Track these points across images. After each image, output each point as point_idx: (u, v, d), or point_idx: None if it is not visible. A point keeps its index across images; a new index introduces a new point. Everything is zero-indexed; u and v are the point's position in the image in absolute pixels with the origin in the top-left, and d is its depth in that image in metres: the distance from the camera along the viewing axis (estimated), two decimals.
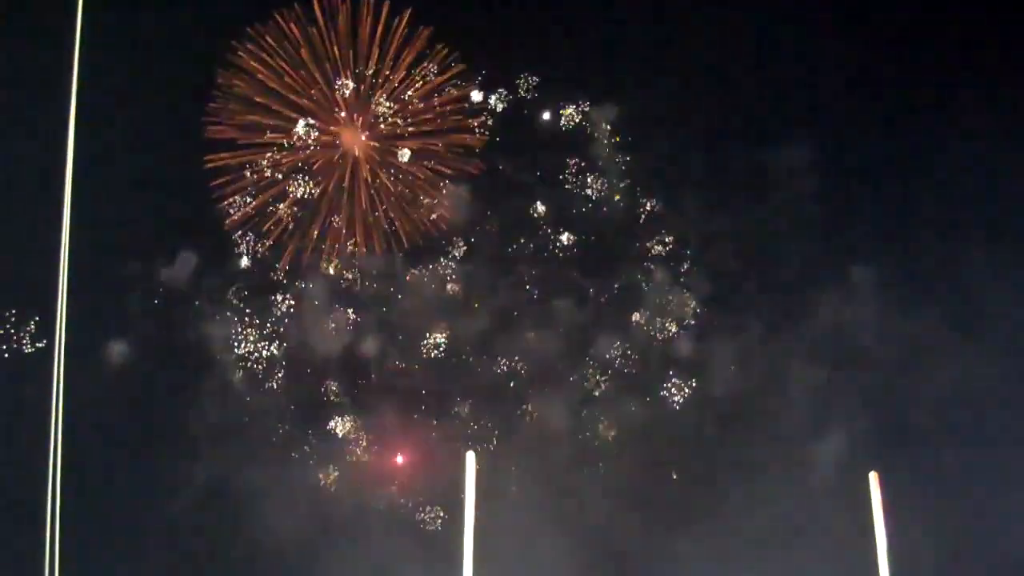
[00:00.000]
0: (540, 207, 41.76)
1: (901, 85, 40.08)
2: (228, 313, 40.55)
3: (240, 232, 40.92)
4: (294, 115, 41.01)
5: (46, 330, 28.65)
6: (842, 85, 40.68)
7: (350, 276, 41.26)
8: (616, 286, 41.60)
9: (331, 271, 41.23)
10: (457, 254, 41.62)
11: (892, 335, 38.21)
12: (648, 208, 41.72)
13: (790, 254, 40.30)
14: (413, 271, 41.40)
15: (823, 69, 40.47)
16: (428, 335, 40.74)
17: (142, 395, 39.47)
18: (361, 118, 41.26)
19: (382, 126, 41.36)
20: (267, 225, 41.10)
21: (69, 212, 26.82)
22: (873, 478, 27.31)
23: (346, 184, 41.38)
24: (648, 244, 41.55)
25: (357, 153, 41.25)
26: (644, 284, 41.39)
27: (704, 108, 40.54)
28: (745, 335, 40.11)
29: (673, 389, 40.11)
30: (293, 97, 40.87)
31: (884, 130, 40.06)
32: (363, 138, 41.37)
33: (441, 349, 40.72)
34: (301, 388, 40.58)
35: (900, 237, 39.44)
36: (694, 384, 40.17)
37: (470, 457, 27.33)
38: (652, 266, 41.47)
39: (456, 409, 40.30)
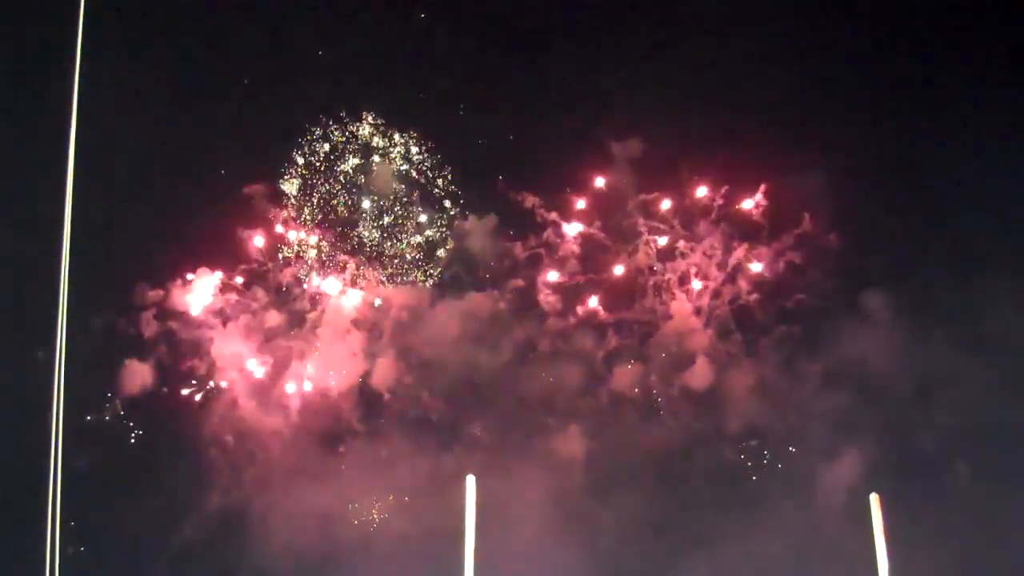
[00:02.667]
0: (561, 240, 42.02)
1: (916, 113, 40.82)
2: (242, 334, 41.44)
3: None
4: None
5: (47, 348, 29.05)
6: (856, 113, 41.39)
7: (371, 304, 41.75)
8: (634, 317, 41.81)
9: (353, 298, 41.87)
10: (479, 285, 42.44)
11: (906, 362, 38.48)
12: (667, 241, 42.01)
13: (806, 284, 40.83)
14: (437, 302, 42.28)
15: (838, 98, 41.57)
16: (444, 363, 41.27)
17: (151, 417, 40.51)
18: None
19: None
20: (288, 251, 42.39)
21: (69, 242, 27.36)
22: (874, 499, 27.28)
23: None
24: (667, 276, 41.70)
25: None
26: (662, 315, 41.48)
27: (720, 142, 41.44)
28: (760, 364, 40.85)
29: (687, 416, 40.46)
30: None
31: (899, 158, 40.67)
32: None
33: (457, 377, 41.20)
34: (315, 413, 41.26)
35: (914, 265, 39.99)
36: (707, 411, 40.75)
37: (470, 481, 27.58)
38: (670, 297, 41.63)
39: (468, 433, 41.33)
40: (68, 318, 29.79)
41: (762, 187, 41.29)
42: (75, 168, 27.36)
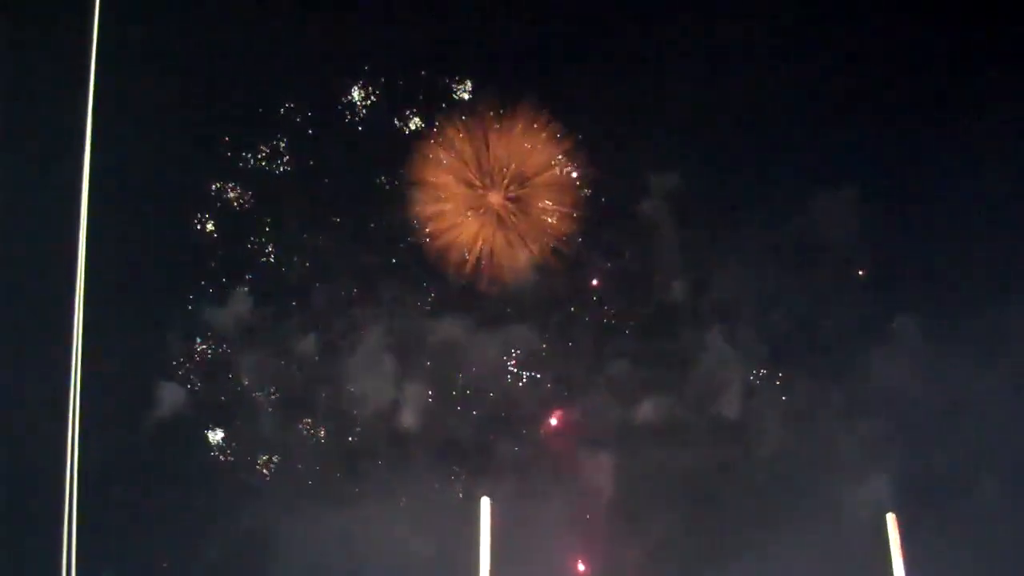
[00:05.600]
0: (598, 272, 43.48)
1: (944, 140, 41.52)
2: (273, 355, 42.48)
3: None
4: None
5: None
6: (886, 142, 42.49)
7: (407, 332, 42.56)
8: (669, 347, 42.72)
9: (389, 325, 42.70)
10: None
11: (936, 387, 39.09)
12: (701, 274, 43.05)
13: (837, 312, 41.95)
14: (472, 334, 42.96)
15: (868, 126, 42.46)
16: (479, 392, 42.48)
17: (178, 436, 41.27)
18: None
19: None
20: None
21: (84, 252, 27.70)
22: (891, 519, 27.45)
23: None
24: (702, 308, 42.73)
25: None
26: (697, 346, 42.39)
27: (753, 175, 42.98)
28: (791, 391, 41.92)
29: (717, 443, 41.25)
30: None
31: (926, 185, 41.42)
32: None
33: (490, 405, 42.25)
34: (343, 436, 42.09)
35: (943, 291, 40.65)
36: (737, 437, 41.53)
37: (485, 502, 27.82)
38: (706, 329, 42.44)
39: (498, 460, 41.96)
40: (92, 338, 29.92)
41: (792, 219, 42.38)
42: (91, 180, 27.55)
